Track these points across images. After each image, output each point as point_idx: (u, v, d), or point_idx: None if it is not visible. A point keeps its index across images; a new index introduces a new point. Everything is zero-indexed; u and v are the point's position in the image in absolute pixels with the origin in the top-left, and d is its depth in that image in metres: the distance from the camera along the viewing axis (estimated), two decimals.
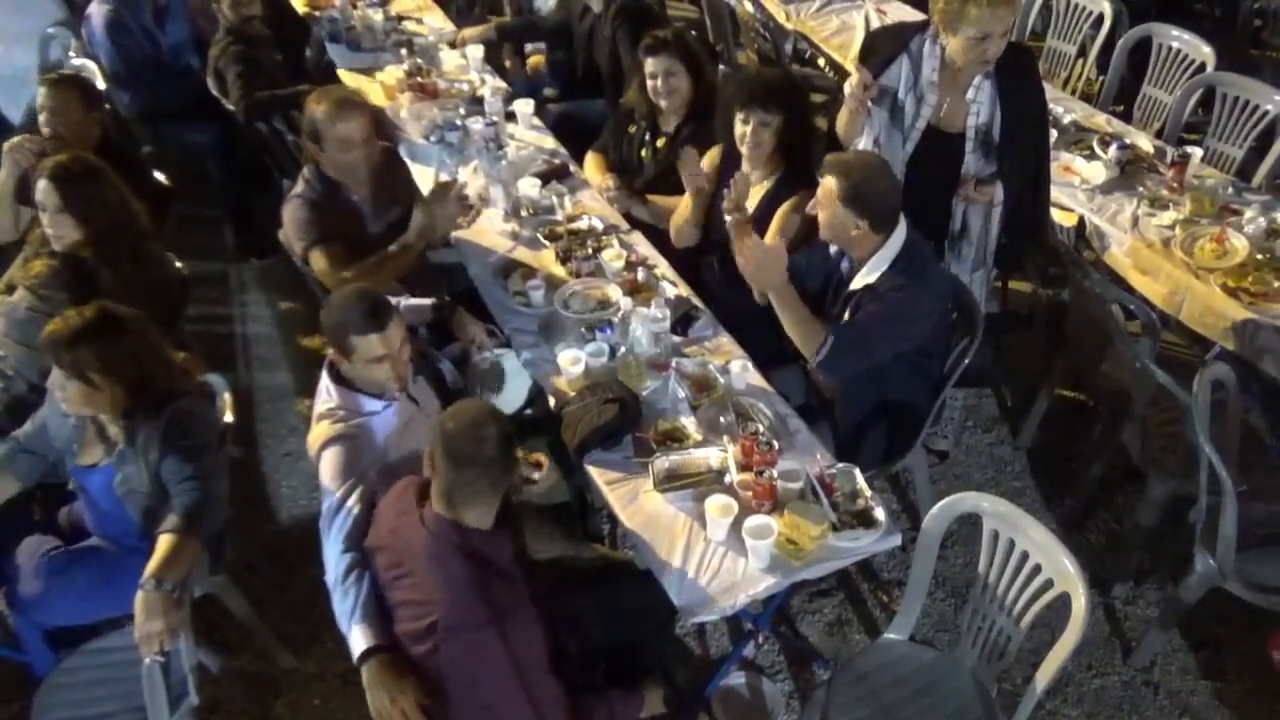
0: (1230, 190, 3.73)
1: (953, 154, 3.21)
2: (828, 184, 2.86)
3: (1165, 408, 3.08)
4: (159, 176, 4.01)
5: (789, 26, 5.25)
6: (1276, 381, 3.22)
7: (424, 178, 3.91)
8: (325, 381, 2.67)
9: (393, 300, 2.73)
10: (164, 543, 2.48)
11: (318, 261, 3.26)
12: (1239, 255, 3.39)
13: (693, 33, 5.01)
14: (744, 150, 3.35)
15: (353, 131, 3.24)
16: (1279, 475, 3.10)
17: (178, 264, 3.47)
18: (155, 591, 2.40)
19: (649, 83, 3.75)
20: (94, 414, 2.66)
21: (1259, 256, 3.38)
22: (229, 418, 2.97)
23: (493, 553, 2.22)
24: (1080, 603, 2.26)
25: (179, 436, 2.61)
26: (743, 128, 3.32)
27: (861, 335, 2.90)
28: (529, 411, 3.32)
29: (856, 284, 2.94)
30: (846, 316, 2.95)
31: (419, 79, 4.61)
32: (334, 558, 2.43)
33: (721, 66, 5.54)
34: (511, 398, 3.17)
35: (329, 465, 2.54)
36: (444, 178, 3.90)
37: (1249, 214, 3.54)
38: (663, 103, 3.77)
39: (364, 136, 3.27)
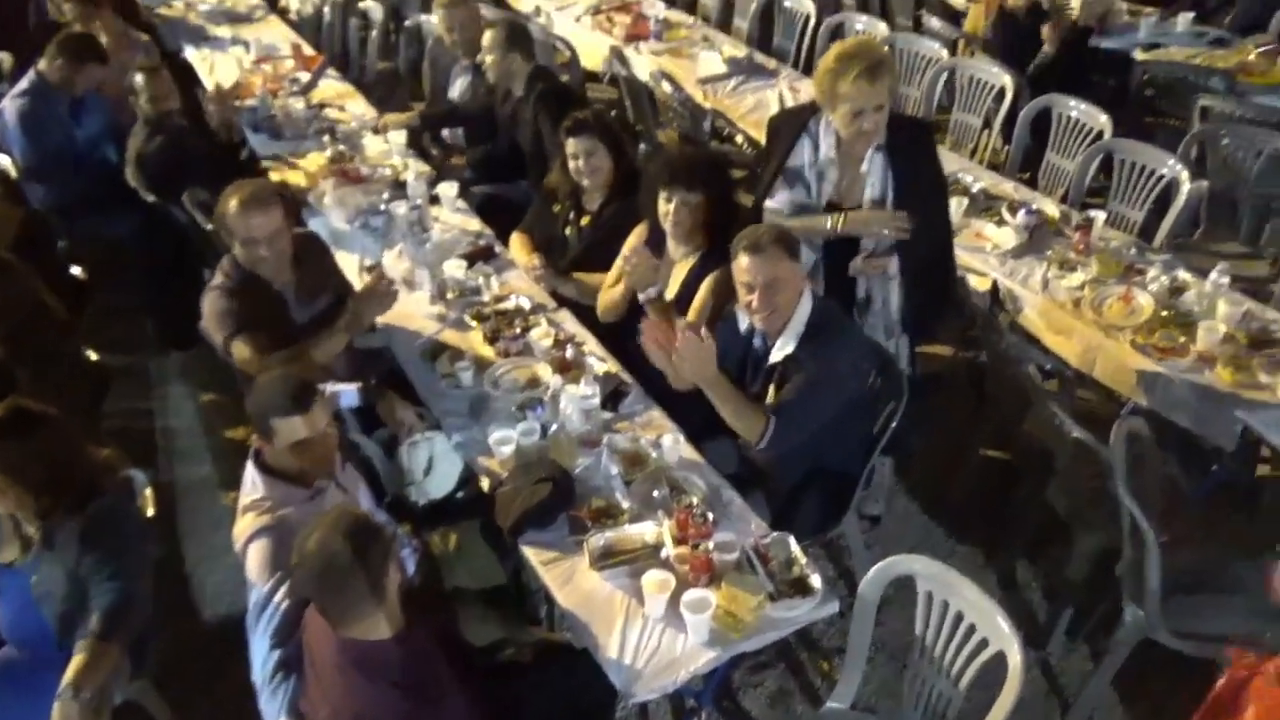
0: (1133, 251, 3.89)
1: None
2: (774, 256, 2.89)
3: (1086, 463, 3.15)
4: (75, 270, 3.94)
5: (706, 105, 5.39)
6: (1190, 433, 3.33)
7: (348, 263, 3.90)
8: (251, 471, 2.62)
9: (318, 385, 2.69)
10: (82, 648, 2.39)
11: (240, 351, 3.23)
12: (1145, 313, 3.52)
13: (613, 113, 5.14)
14: (668, 228, 3.41)
15: (262, 228, 3.22)
16: (1199, 524, 3.19)
17: (96, 357, 3.39)
18: (73, 701, 2.30)
19: (571, 163, 3.81)
20: (8, 512, 2.57)
21: (1164, 313, 3.51)
22: (150, 514, 2.88)
23: (398, 661, 2.16)
24: (1016, 661, 2.28)
25: (99, 536, 2.52)
26: (666, 206, 3.39)
27: (799, 410, 2.94)
28: (460, 494, 3.28)
29: (776, 357, 2.99)
30: (772, 391, 3.00)
31: (342, 165, 4.62)
32: (261, 655, 2.36)
33: (642, 145, 5.66)
34: (442, 481, 3.13)
35: (256, 558, 2.48)
36: (369, 263, 3.91)
37: (1152, 273, 3.68)
38: (585, 182, 3.83)
39: (274, 231, 3.25)
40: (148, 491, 2.92)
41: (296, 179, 4.56)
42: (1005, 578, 3.64)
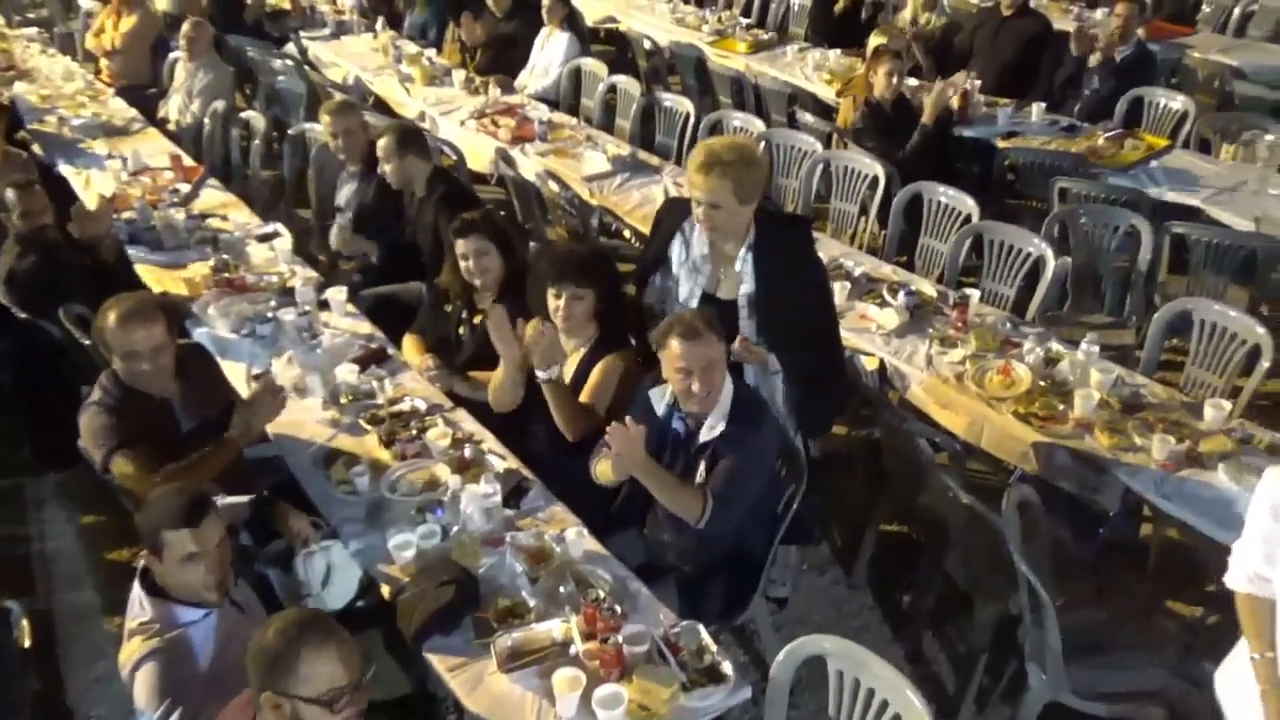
0: (1008, 325, 4.07)
1: (732, 320, 3.36)
2: (709, 340, 2.94)
3: (981, 532, 3.23)
4: None
5: (594, 202, 5.49)
6: (1076, 497, 3.45)
7: (235, 373, 3.82)
8: (137, 593, 2.50)
9: (210, 499, 2.61)
10: None
11: (122, 467, 3.11)
12: (1024, 384, 3.67)
13: (502, 213, 5.19)
14: (558, 322, 3.44)
15: (143, 341, 3.14)
16: (1092, 585, 3.29)
17: None
18: None
19: (462, 263, 3.83)
20: None
21: (1041, 384, 3.67)
22: (27, 645, 2.72)
23: None
24: None
25: None
26: (555, 302, 3.42)
27: (737, 487, 2.99)
28: (361, 604, 3.17)
29: (706, 436, 3.02)
30: (703, 469, 3.03)
31: (226, 274, 4.55)
32: None
33: (532, 243, 5.71)
34: (341, 591, 3.03)
35: (144, 684, 2.36)
36: (256, 371, 3.83)
37: (1027, 345, 3.85)
38: (477, 281, 3.84)
39: (156, 345, 3.17)
40: (24, 622, 2.76)
41: (179, 289, 4.46)
42: (913, 650, 3.68)
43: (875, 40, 5.98)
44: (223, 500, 2.97)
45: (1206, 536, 3.10)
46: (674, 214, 3.52)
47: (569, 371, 3.44)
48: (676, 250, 3.47)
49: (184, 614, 2.47)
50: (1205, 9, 8.10)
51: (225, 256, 4.71)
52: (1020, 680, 3.06)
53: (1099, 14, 7.48)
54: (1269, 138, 5.41)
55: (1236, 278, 4.52)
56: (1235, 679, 2.50)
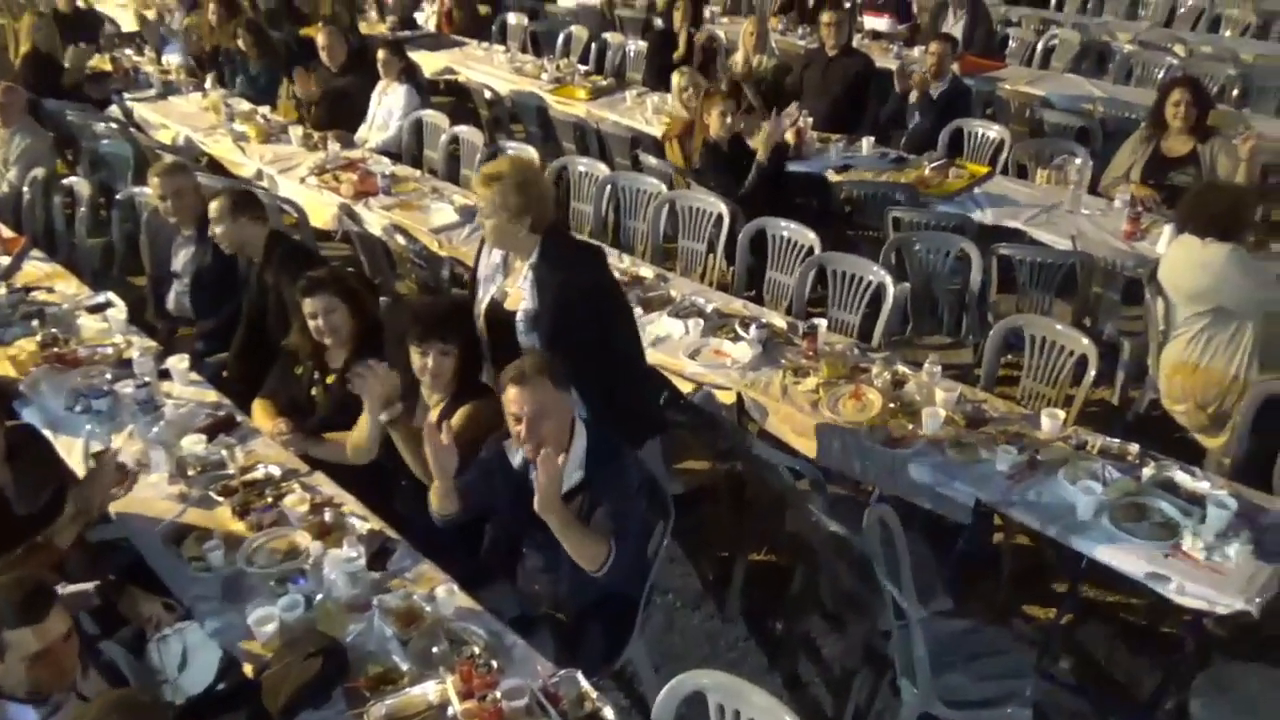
0: (856, 352, 4.21)
1: (513, 331, 3.55)
2: (539, 387, 2.92)
3: (846, 553, 3.32)
4: None
5: (443, 254, 5.45)
6: (931, 512, 3.58)
7: (71, 450, 3.61)
8: None
9: (52, 589, 2.45)
10: None
11: None
12: (875, 407, 3.80)
13: (349, 269, 5.09)
14: (425, 379, 3.40)
15: None
16: (952, 596, 3.41)
17: None
18: None
19: (311, 323, 3.73)
20: None
21: (891, 405, 3.81)
22: None
23: None
24: None
25: None
26: (422, 360, 3.38)
27: (630, 531, 3.01)
28: (222, 686, 3.02)
29: (566, 487, 3.00)
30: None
31: (55, 349, 4.31)
32: None
33: (383, 298, 5.62)
34: (199, 674, 2.88)
35: None
36: (95, 448, 3.63)
37: (875, 370, 3.99)
38: (327, 340, 3.75)
39: None
40: None
41: (3, 369, 4.20)
42: (790, 677, 3.73)
43: (675, 80, 6.15)
44: (65, 589, 2.80)
45: (1053, 539, 3.27)
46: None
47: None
48: (482, 259, 3.73)
49: (22, 713, 2.31)
50: (1012, 44, 8.65)
51: (54, 330, 4.46)
52: (895, 695, 3.15)
53: (916, 52, 7.90)
54: (1078, 161, 5.82)
55: (1060, 293, 4.82)
56: None
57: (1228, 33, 8.90)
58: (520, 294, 3.54)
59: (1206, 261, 3.93)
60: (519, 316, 3.53)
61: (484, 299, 3.69)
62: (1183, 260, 4.06)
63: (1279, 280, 3.96)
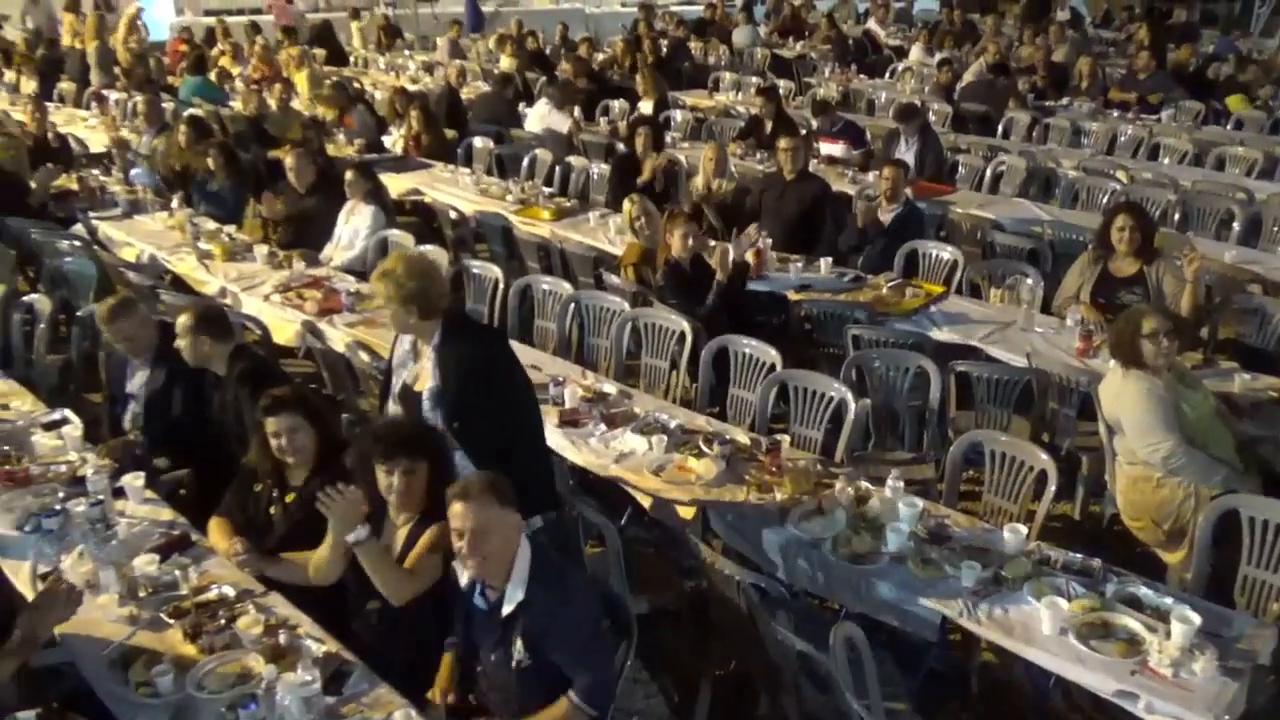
0: (819, 467, 4.23)
1: (420, 409, 3.79)
2: (482, 503, 2.91)
3: (813, 671, 3.27)
4: None
5: None
6: (898, 630, 3.55)
7: (19, 573, 3.52)
8: None
9: None
10: None
11: None
12: (841, 523, 3.80)
13: (311, 386, 5.07)
14: (392, 499, 3.36)
15: None
16: (919, 717, 3.36)
17: None
18: None
19: (272, 441, 3.70)
20: None
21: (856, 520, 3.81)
22: None
23: None
24: None
25: None
26: (388, 479, 3.34)
27: (597, 658, 2.99)
28: None
29: (509, 608, 2.95)
30: (519, 645, 2.96)
31: (6, 466, 4.22)
32: None
33: (345, 415, 5.58)
34: None
35: None
36: (43, 569, 3.54)
37: (839, 485, 4.00)
38: (290, 459, 3.72)
39: None
40: None
41: None
42: None
43: (626, 208, 6.31)
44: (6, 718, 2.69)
45: (1019, 656, 3.24)
46: None
47: (398, 543, 3.35)
48: (396, 349, 4.04)
49: None
50: (961, 170, 8.97)
51: (5, 447, 4.38)
52: None
53: (870, 176, 8.16)
54: (1029, 281, 5.99)
55: (1017, 409, 4.89)
56: None
57: (1166, 160, 9.29)
58: (426, 374, 3.79)
59: (1118, 391, 4.05)
60: (425, 395, 3.76)
61: (397, 385, 3.97)
62: (1105, 388, 4.21)
63: (1171, 417, 4.00)
